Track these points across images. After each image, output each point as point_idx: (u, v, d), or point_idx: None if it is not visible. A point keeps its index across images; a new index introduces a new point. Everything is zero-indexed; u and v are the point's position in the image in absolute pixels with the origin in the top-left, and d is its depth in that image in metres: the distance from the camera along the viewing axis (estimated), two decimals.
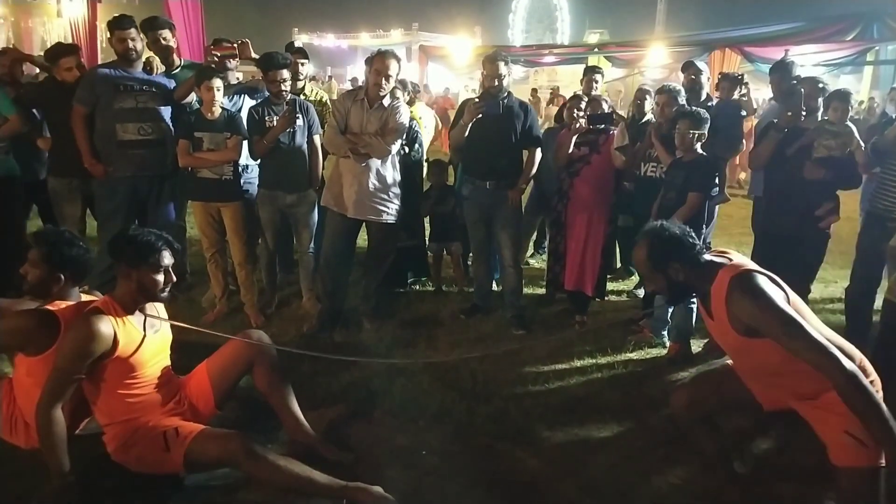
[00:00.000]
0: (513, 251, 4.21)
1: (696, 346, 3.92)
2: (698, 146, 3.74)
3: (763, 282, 2.06)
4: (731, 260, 2.19)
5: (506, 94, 4.10)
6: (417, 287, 5.00)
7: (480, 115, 3.94)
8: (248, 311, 4.20)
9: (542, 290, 4.90)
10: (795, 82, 3.97)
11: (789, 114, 3.59)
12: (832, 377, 1.92)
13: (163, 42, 4.31)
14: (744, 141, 4.81)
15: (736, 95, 4.74)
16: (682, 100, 4.10)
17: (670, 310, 3.90)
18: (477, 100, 4.09)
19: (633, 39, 18.17)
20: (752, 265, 2.17)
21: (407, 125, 3.99)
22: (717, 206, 4.41)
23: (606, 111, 4.20)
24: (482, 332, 4.14)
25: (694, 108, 3.92)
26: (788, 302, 2.07)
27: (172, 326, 2.62)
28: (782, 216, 3.68)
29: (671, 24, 28.27)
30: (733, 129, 4.65)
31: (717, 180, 3.92)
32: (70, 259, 2.52)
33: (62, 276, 2.52)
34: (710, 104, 4.68)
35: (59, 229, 2.62)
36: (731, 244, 6.17)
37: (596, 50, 15.94)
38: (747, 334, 2.07)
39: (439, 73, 19.03)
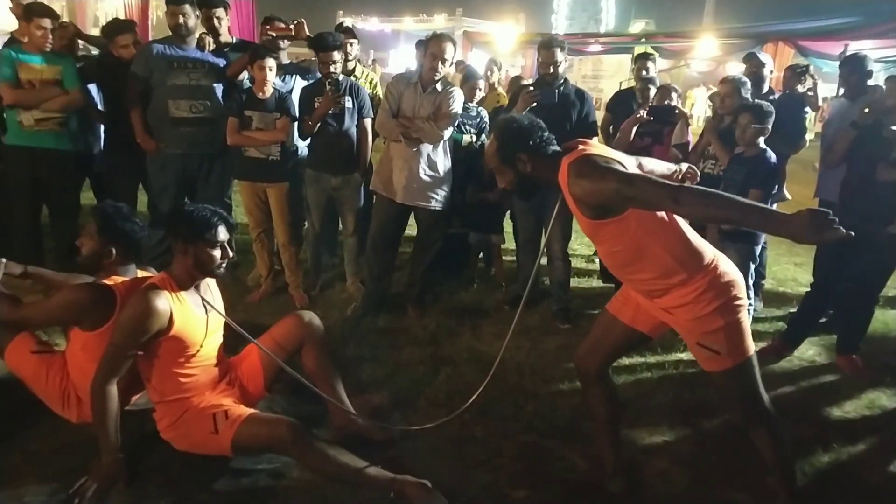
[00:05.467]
0: (562, 243, 4.12)
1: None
2: (761, 141, 3.59)
3: (598, 160, 2.02)
4: (577, 147, 2.12)
5: (562, 81, 3.99)
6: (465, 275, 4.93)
7: (535, 104, 3.84)
8: (292, 293, 4.19)
9: (591, 284, 4.81)
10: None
11: (867, 110, 3.41)
12: (672, 204, 1.85)
13: (216, 20, 4.30)
14: (806, 137, 4.60)
15: (801, 89, 4.55)
16: (747, 92, 3.94)
17: None
18: (531, 87, 3.99)
19: (682, 30, 17.69)
20: (597, 150, 2.12)
21: (460, 111, 3.91)
22: (775, 206, 4.24)
23: (675, 101, 4.06)
24: (527, 324, 4.04)
25: (758, 101, 3.76)
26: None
27: (224, 306, 2.60)
28: (855, 219, 3.50)
29: (720, 16, 27.57)
30: (795, 125, 4.46)
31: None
32: (122, 234, 2.53)
33: (113, 251, 2.53)
34: (771, 97, 4.51)
35: (118, 204, 2.62)
36: (782, 244, 5.97)
37: (643, 39, 15.54)
38: (594, 217, 2.05)
39: (482, 59, 18.83)
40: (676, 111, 4.30)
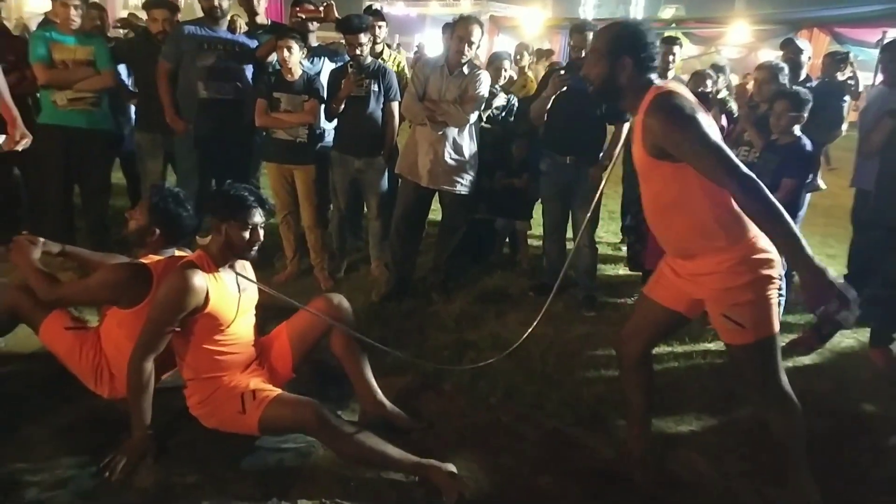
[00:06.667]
0: (589, 230, 4.08)
1: (780, 340, 3.73)
2: (796, 129, 3.51)
3: (686, 104, 1.98)
4: (667, 86, 2.07)
5: None
6: (490, 261, 4.91)
7: (565, 88, 3.79)
8: (317, 275, 4.21)
9: (617, 272, 4.77)
10: None
11: None
12: (734, 184, 1.87)
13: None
14: (843, 126, 4.48)
15: (841, 77, 4.43)
16: (784, 78, 3.84)
17: None
18: (562, 72, 3.93)
19: (714, 15, 17.33)
20: (687, 93, 2.06)
21: (486, 95, 3.87)
22: (808, 195, 4.15)
23: (709, 88, 3.98)
24: (552, 311, 3.99)
25: (795, 88, 3.67)
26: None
27: (259, 288, 2.62)
28: (894, 208, 3.42)
29: (753, 1, 26.94)
30: (833, 113, 4.34)
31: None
32: (171, 217, 2.57)
33: (157, 231, 2.58)
34: (809, 84, 4.39)
35: (176, 189, 2.66)
36: (814, 235, 5.86)
37: (673, 25, 15.27)
38: (655, 155, 2.03)
39: (509, 45, 18.65)
40: (710, 96, 4.21)
